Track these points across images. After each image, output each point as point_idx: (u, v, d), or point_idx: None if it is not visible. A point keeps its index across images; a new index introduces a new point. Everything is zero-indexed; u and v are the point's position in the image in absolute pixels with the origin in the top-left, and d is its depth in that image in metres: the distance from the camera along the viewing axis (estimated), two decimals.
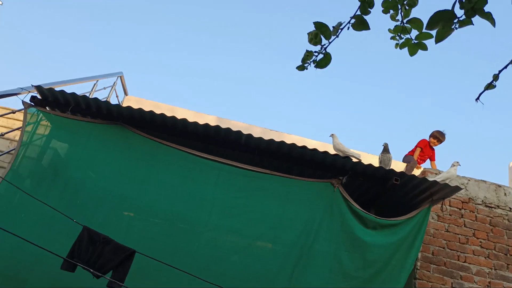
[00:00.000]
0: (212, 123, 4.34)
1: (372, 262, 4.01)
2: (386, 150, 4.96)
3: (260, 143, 4.24)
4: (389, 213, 4.28)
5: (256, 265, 3.93)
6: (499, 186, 5.38)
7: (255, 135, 5.15)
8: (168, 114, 4.23)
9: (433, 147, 6.58)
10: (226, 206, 4.08)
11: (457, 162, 4.89)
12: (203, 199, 4.06)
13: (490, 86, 1.56)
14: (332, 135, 5.00)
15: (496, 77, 1.52)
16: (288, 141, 5.86)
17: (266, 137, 4.35)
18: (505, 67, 1.46)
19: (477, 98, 1.55)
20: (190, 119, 4.22)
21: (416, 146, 6.50)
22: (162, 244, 3.79)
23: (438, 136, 6.50)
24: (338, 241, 4.04)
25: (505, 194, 5.32)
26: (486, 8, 1.40)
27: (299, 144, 4.98)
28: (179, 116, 4.21)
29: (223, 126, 4.21)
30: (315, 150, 4.22)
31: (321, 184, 4.22)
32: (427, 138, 6.60)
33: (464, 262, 4.87)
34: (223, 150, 4.35)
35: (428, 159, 6.59)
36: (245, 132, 4.25)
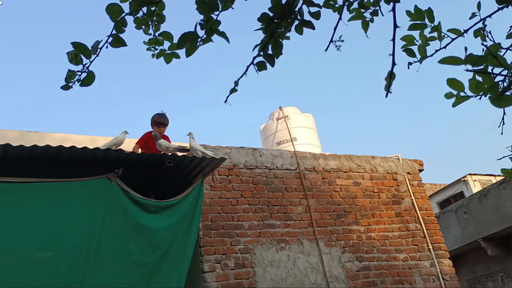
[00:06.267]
0: None
1: (159, 245, 4.24)
2: (157, 137, 5.20)
3: (21, 151, 3.90)
4: (170, 195, 4.55)
5: (41, 279, 3.70)
6: (255, 149, 6.23)
7: (11, 139, 4.69)
8: None
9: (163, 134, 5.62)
10: None
11: (190, 133, 5.08)
12: None
13: (233, 90, 1.89)
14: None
15: (236, 83, 1.86)
16: (52, 141, 5.51)
17: (25, 140, 4.04)
18: (242, 76, 1.80)
19: (225, 101, 1.86)
20: None
21: (136, 143, 5.55)
22: None
23: (161, 121, 5.58)
24: (124, 233, 4.12)
25: (260, 155, 6.21)
26: (220, 28, 1.69)
27: (66, 142, 4.76)
28: None
29: None
30: (85, 148, 4.12)
31: (98, 180, 4.18)
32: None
33: (238, 221, 5.56)
34: None
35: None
36: None
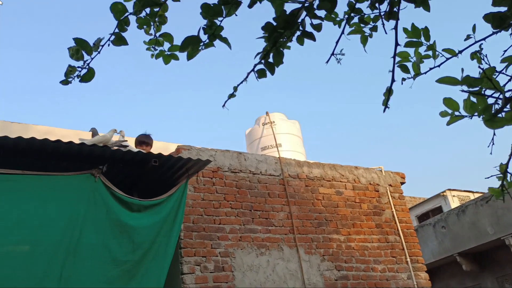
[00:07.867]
0: None
1: (140, 244, 4.21)
2: (95, 133, 5.17)
3: (4, 142, 3.84)
4: (153, 194, 4.53)
5: (18, 273, 3.65)
6: (240, 153, 6.25)
7: None
8: None
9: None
10: None
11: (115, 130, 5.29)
12: None
13: (232, 95, 1.92)
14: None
15: (235, 89, 1.89)
16: (35, 133, 5.45)
17: (7, 131, 3.98)
18: (241, 82, 1.83)
19: (223, 105, 1.88)
20: None
21: None
22: None
23: (144, 140, 5.86)
24: (105, 230, 4.08)
25: (245, 159, 6.22)
26: (223, 34, 1.72)
27: (49, 135, 4.71)
28: None
29: None
30: (70, 142, 4.08)
31: (81, 176, 4.14)
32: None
33: (219, 224, 5.56)
34: None
35: None
36: None
